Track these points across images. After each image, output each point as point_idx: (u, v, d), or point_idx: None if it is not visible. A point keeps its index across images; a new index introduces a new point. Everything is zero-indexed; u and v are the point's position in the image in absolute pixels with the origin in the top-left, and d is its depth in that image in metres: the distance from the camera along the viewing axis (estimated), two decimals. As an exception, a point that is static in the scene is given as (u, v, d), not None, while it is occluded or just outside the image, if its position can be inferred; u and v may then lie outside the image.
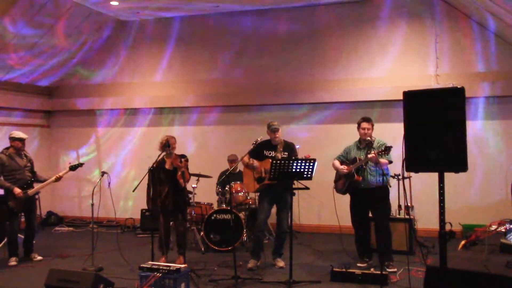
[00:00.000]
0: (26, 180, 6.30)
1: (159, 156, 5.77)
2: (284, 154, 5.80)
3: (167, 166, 5.92)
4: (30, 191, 6.28)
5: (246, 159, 5.83)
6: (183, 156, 5.97)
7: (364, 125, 5.64)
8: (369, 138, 5.61)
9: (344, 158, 5.83)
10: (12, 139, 6.32)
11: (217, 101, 8.64)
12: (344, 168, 5.67)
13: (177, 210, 5.98)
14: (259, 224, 5.87)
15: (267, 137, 5.88)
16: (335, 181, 5.91)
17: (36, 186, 6.42)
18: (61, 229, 8.65)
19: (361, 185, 5.59)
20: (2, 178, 6.18)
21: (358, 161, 5.55)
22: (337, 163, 5.83)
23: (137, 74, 9.20)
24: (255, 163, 5.80)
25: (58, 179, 6.33)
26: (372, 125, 5.67)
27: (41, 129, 9.43)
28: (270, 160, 5.69)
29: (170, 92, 8.91)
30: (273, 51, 8.42)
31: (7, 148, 6.34)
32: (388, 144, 5.47)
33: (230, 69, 8.65)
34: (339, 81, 8.05)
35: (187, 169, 5.97)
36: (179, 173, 5.77)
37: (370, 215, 5.85)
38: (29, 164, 6.41)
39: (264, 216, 5.89)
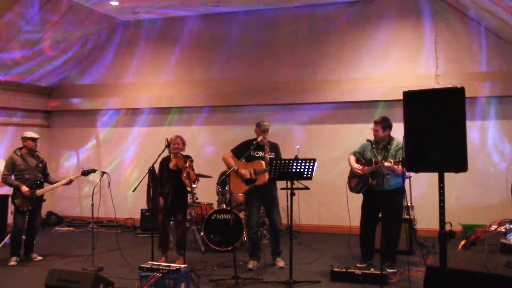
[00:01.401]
0: (36, 180, 6.35)
1: (159, 155, 5.75)
2: (271, 155, 5.82)
3: (171, 166, 5.91)
4: (39, 191, 6.33)
5: (236, 168, 5.76)
6: (188, 157, 5.95)
7: (374, 127, 5.59)
8: (369, 138, 5.58)
9: (360, 156, 5.72)
10: (24, 138, 6.42)
11: (218, 101, 8.64)
12: (358, 168, 5.57)
13: (176, 210, 5.97)
14: (252, 226, 5.86)
15: (266, 138, 5.86)
16: (349, 178, 5.80)
17: (46, 187, 6.46)
18: (61, 229, 8.65)
19: (376, 188, 5.49)
20: (12, 177, 6.26)
21: (374, 164, 5.43)
22: (352, 160, 5.71)
23: (137, 74, 9.19)
24: (247, 173, 5.75)
25: (69, 182, 6.40)
26: (382, 127, 5.53)
27: (41, 129, 9.42)
28: (260, 161, 5.73)
29: (170, 92, 8.91)
30: (274, 51, 8.42)
31: (20, 148, 6.44)
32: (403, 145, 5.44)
33: (230, 69, 8.65)
34: (340, 81, 8.05)
35: (193, 169, 5.92)
36: (184, 174, 5.75)
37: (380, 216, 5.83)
38: (40, 165, 6.46)
39: (256, 217, 5.91)
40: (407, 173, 5.89)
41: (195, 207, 7.17)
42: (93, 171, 6.43)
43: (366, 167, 5.52)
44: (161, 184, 5.97)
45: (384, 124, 5.57)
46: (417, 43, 7.74)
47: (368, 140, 5.60)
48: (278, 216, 5.92)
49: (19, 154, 6.36)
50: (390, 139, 5.60)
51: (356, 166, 5.61)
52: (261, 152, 5.83)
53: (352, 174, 5.75)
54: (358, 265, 5.73)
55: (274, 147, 5.95)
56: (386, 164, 5.26)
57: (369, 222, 5.74)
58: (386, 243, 5.46)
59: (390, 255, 5.55)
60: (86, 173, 6.36)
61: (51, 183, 6.50)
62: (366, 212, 5.74)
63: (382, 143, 5.58)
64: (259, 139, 5.74)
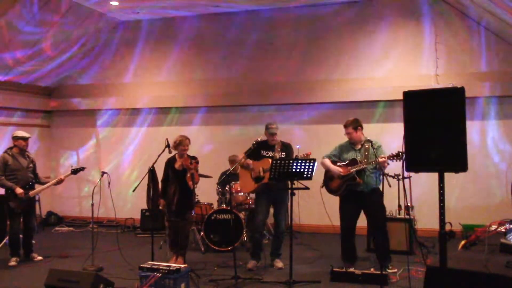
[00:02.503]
0: (28, 180, 6.29)
1: (158, 155, 5.73)
2: (282, 154, 5.80)
3: (176, 166, 5.89)
4: (31, 192, 6.28)
5: (243, 160, 5.79)
6: (193, 157, 5.93)
7: (345, 130, 5.56)
8: (349, 140, 5.57)
9: (336, 158, 5.63)
10: (15, 138, 6.33)
11: (217, 101, 8.64)
12: (340, 170, 5.47)
13: (181, 211, 5.93)
14: (257, 226, 5.86)
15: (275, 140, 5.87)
16: (326, 181, 5.70)
17: (38, 187, 6.41)
18: (61, 229, 8.64)
19: (360, 188, 5.42)
20: (3, 177, 6.19)
21: (359, 163, 5.37)
22: (328, 162, 5.60)
23: (137, 74, 9.20)
24: (250, 163, 5.78)
25: (59, 181, 6.34)
26: (353, 128, 5.49)
27: (41, 129, 9.43)
28: (269, 160, 5.70)
29: (170, 92, 8.91)
30: (274, 51, 8.42)
31: (10, 148, 6.36)
32: (380, 144, 5.47)
33: (230, 69, 8.65)
34: (339, 81, 8.05)
35: (197, 171, 5.88)
36: (188, 175, 5.73)
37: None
38: (31, 165, 6.40)
39: (262, 217, 5.88)
40: (406, 173, 5.87)
41: (195, 207, 7.16)
42: (82, 169, 6.41)
43: (350, 167, 5.42)
44: (166, 184, 5.97)
45: (354, 124, 5.53)
46: (417, 43, 7.74)
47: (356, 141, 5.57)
48: (283, 218, 5.91)
49: (10, 154, 6.25)
50: (365, 140, 5.52)
51: (336, 168, 5.52)
52: (270, 152, 5.84)
53: (330, 177, 5.64)
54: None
55: (286, 147, 5.91)
56: (381, 160, 5.24)
57: (351, 226, 5.61)
58: (382, 243, 5.46)
59: (385, 255, 5.51)
60: (75, 171, 6.31)
61: (42, 183, 6.43)
62: (348, 215, 5.58)
63: (358, 143, 5.55)
64: (259, 139, 5.77)
